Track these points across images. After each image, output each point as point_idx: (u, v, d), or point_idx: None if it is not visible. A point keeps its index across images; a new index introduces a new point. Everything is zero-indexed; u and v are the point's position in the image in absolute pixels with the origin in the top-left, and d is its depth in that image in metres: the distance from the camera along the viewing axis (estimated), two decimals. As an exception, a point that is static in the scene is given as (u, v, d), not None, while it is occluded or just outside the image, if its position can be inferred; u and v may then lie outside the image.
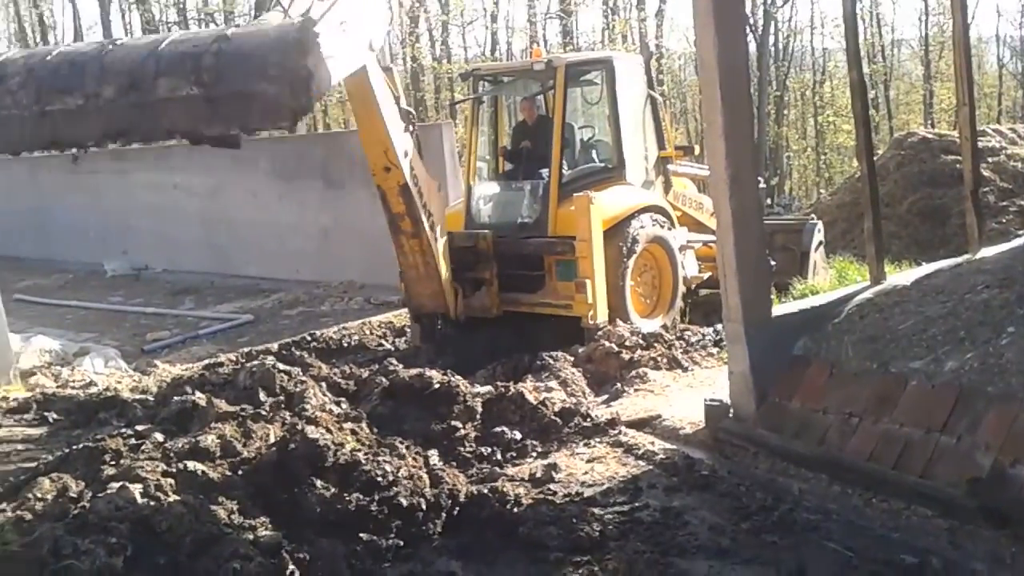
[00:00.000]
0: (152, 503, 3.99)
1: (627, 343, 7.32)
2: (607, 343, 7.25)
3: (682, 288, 8.90)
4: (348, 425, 5.25)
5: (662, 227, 8.65)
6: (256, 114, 4.27)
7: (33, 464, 5.40)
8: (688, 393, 6.49)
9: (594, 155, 9.01)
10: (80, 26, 34.07)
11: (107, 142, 4.56)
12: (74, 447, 5.24)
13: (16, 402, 7.51)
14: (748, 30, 16.70)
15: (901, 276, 6.26)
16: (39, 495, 4.30)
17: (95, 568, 3.42)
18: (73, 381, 8.30)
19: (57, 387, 8.10)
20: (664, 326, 8.28)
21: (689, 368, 7.05)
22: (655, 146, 9.23)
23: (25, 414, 7.23)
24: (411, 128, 7.45)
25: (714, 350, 7.45)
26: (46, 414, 7.15)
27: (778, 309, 5.85)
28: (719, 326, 8.04)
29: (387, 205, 7.56)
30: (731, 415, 5.47)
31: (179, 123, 4.29)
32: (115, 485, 4.16)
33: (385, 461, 4.52)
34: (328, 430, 4.95)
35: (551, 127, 8.34)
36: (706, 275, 9.31)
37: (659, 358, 7.07)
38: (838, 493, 4.59)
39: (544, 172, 8.40)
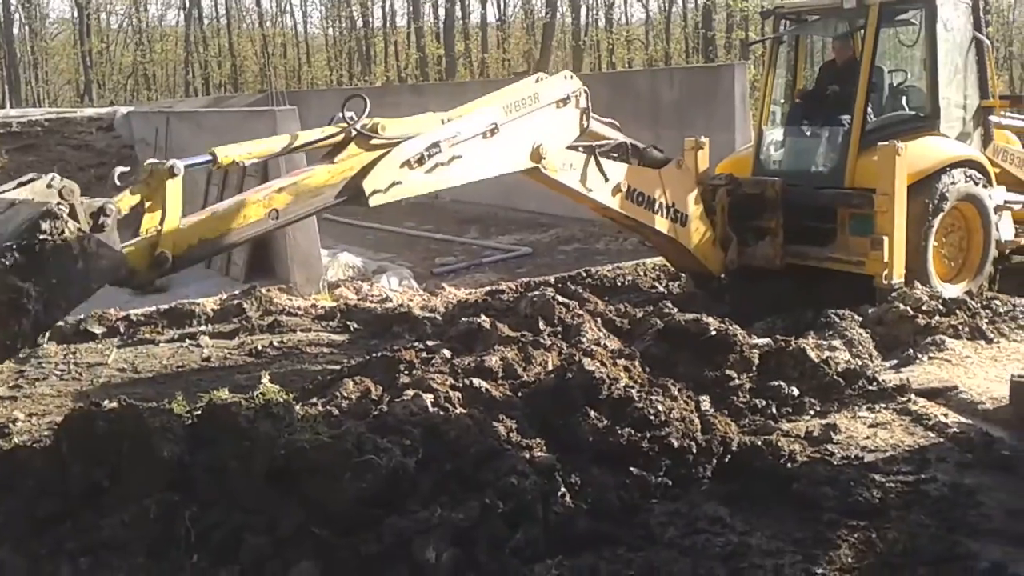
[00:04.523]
0: (442, 413, 4.29)
1: (924, 307, 6.79)
2: (901, 305, 6.76)
3: (994, 253, 8.05)
4: (622, 362, 5.30)
5: (976, 184, 7.84)
6: None
7: (337, 366, 6.01)
8: (991, 366, 5.94)
9: (904, 102, 8.30)
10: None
11: None
12: (373, 355, 5.75)
13: (324, 310, 8.37)
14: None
15: None
16: (344, 394, 4.78)
17: (391, 465, 3.73)
18: (371, 295, 9.10)
19: (358, 299, 8.92)
20: (969, 292, 7.58)
21: (994, 340, 6.44)
22: (976, 95, 8.35)
23: (331, 321, 8.04)
24: (627, 151, 7.31)
25: (1026, 323, 6.76)
26: (348, 323, 7.93)
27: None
28: (1034, 297, 7.34)
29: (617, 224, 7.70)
30: (1042, 394, 4.94)
31: None
32: (409, 393, 4.53)
33: (657, 401, 4.54)
34: (603, 364, 5.04)
35: (859, 70, 7.78)
36: (1024, 240, 8.40)
37: (960, 326, 6.50)
38: None
39: (846, 119, 7.88)
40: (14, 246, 3.39)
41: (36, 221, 3.44)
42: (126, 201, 4.08)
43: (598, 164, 6.88)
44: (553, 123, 6.44)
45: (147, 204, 4.19)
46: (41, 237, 3.43)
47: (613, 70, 33.18)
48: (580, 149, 6.85)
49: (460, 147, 5.63)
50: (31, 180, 3.86)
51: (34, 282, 3.42)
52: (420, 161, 5.37)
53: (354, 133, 5.09)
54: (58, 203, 3.58)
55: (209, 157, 4.47)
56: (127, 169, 4.16)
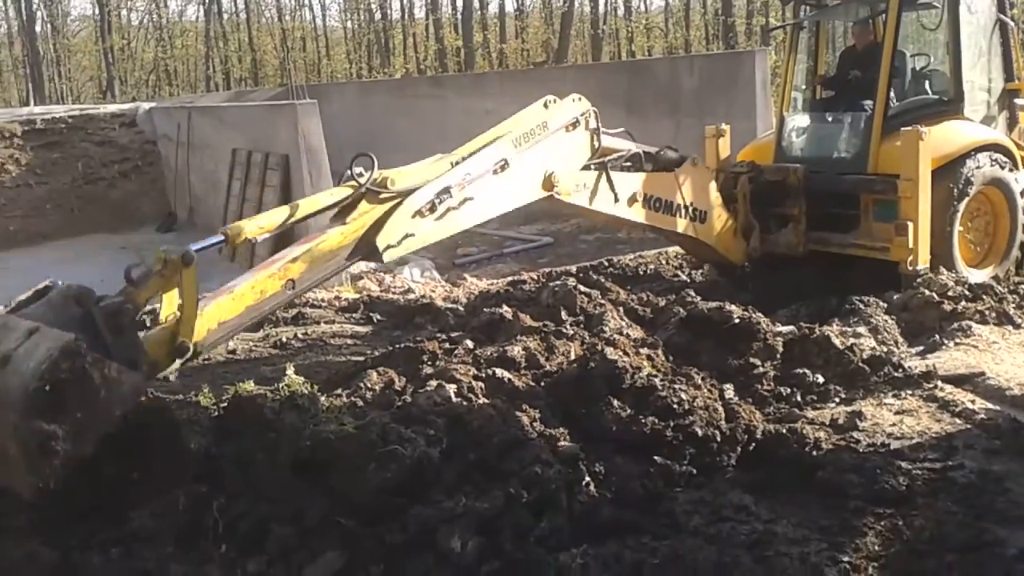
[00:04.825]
0: (465, 403, 4.32)
1: (950, 293, 6.73)
2: (927, 291, 6.70)
3: (1020, 237, 7.96)
4: (644, 351, 5.31)
5: (1002, 168, 7.74)
6: (13, 475, 3.44)
7: (361, 357, 6.04)
8: (1018, 352, 5.90)
9: (927, 86, 8.21)
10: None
11: None
12: (396, 346, 5.78)
13: (347, 302, 8.41)
14: None
15: None
16: (369, 385, 4.81)
17: (415, 455, 3.75)
18: (394, 287, 9.13)
19: (380, 291, 8.95)
20: (995, 277, 7.50)
21: (1022, 325, 6.37)
22: (1000, 78, 8.24)
23: (354, 313, 8.09)
24: (640, 160, 7.15)
25: (1054, 308, 6.69)
26: (371, 314, 7.97)
27: None
28: (1061, 281, 7.26)
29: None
30: (1072, 380, 4.89)
31: None
32: (433, 383, 4.55)
33: (681, 389, 4.54)
34: (625, 353, 5.04)
35: (881, 55, 7.70)
36: (1050, 225, 8.28)
37: (987, 312, 6.44)
38: None
39: (868, 104, 7.80)
40: (35, 390, 3.30)
41: (56, 360, 3.34)
42: (143, 296, 4.01)
43: (610, 181, 6.70)
44: (564, 148, 6.27)
45: (163, 294, 4.10)
46: (62, 377, 3.34)
47: (633, 58, 33.00)
48: (592, 167, 6.64)
49: (471, 188, 5.46)
50: (46, 288, 3.85)
51: (59, 423, 3.37)
52: (431, 208, 5.23)
53: (364, 191, 4.98)
54: (76, 337, 3.45)
55: (221, 237, 4.39)
56: (138, 263, 4.09)
